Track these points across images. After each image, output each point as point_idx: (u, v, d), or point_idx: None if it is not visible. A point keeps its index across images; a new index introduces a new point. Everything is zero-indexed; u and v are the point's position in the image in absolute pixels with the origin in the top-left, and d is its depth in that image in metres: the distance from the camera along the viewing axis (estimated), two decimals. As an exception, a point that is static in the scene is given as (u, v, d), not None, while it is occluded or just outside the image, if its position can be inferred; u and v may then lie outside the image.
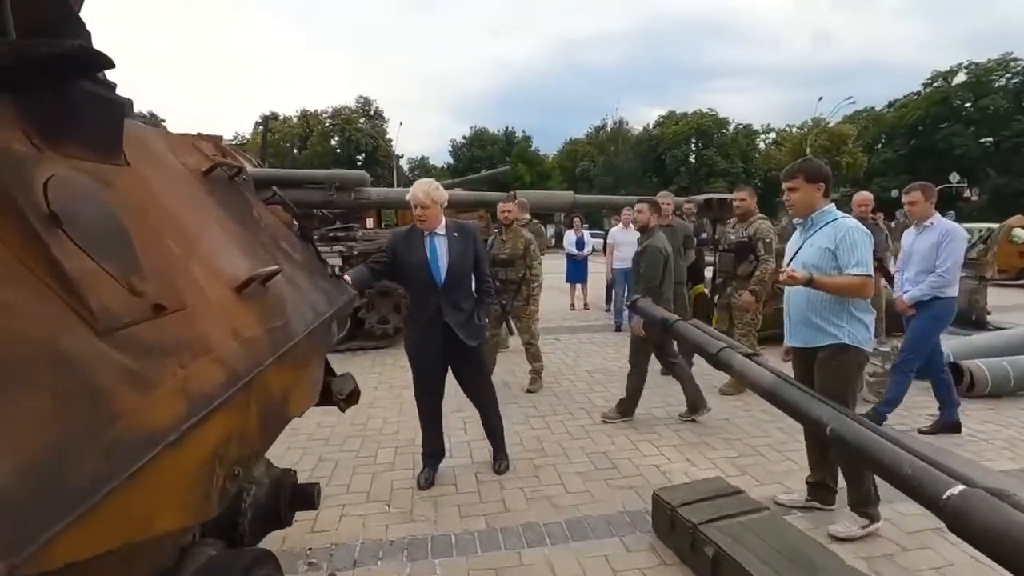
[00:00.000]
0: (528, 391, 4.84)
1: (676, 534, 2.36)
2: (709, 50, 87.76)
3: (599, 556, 2.42)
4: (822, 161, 2.85)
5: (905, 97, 40.14)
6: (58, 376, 0.71)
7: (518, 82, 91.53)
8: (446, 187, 3.20)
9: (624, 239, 7.41)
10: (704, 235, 6.03)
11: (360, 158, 39.64)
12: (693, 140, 41.95)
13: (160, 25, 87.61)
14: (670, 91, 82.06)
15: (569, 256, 9.59)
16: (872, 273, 2.57)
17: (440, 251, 2.99)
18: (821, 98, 42.46)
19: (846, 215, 2.69)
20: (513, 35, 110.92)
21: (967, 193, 30.44)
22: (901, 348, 3.85)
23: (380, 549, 2.54)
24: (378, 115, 43.78)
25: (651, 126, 44.17)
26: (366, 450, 3.65)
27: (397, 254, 3.00)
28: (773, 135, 44.89)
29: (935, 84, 38.37)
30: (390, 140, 42.37)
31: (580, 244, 9.43)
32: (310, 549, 2.53)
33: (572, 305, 9.53)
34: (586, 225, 10.22)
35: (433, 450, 3.25)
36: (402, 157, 44.18)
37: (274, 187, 2.35)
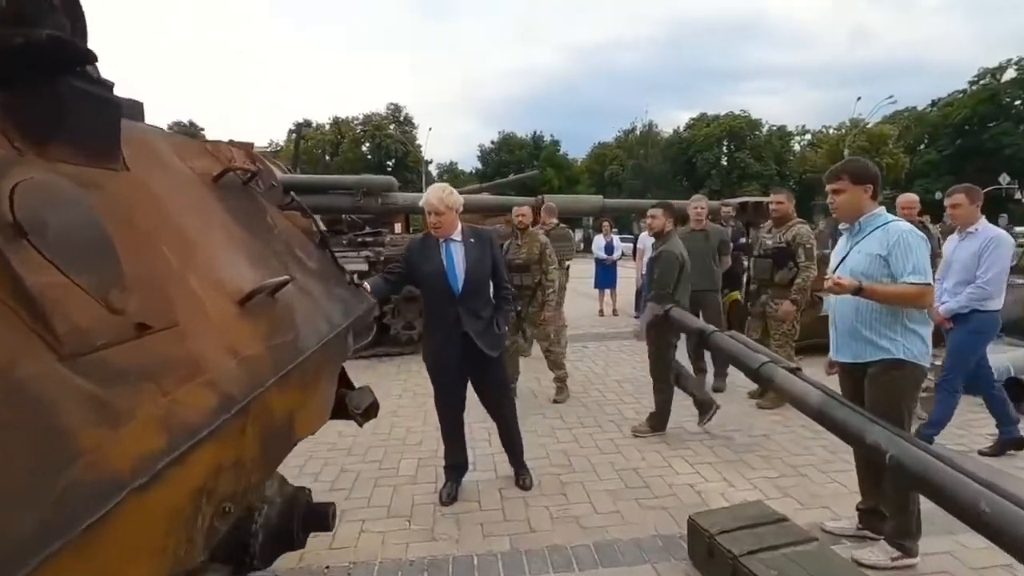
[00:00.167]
0: (555, 401, 4.69)
1: (715, 564, 2.18)
2: (740, 51, 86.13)
3: (630, 584, 2.26)
4: (869, 161, 2.65)
5: (950, 95, 38.59)
6: (5, 409, 0.61)
7: (546, 87, 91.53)
8: (473, 191, 3.12)
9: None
10: (744, 239, 5.79)
11: (390, 164, 40.11)
12: (725, 142, 41.16)
13: (201, 37, 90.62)
14: (700, 93, 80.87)
15: (598, 261, 9.40)
16: (931, 281, 2.36)
17: (457, 258, 2.88)
18: (860, 98, 41.21)
19: (899, 218, 2.48)
20: (541, 41, 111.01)
21: (1018, 195, 28.99)
22: (943, 365, 3.58)
23: (400, 569, 2.43)
24: (408, 121, 44.30)
25: (681, 129, 43.52)
26: (388, 461, 3.56)
27: (412, 263, 2.90)
28: (808, 136, 43.72)
29: (982, 81, 36.78)
30: (419, 146, 42.79)
31: (609, 249, 9.23)
32: (327, 567, 2.44)
33: (601, 311, 9.33)
34: (615, 229, 10.02)
35: (456, 463, 3.14)
36: (431, 162, 44.60)
37: (291, 192, 2.27)
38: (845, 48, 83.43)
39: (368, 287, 2.39)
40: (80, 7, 1.15)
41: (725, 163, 40.83)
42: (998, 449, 3.47)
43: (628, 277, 9.94)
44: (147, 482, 0.72)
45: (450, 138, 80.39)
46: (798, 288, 4.22)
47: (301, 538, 1.80)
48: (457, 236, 2.90)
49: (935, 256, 5.12)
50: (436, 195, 2.82)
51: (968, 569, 2.32)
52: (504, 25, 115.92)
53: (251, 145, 6.77)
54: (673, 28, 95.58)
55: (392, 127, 43.07)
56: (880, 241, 2.36)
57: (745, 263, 5.48)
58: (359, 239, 7.39)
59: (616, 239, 9.57)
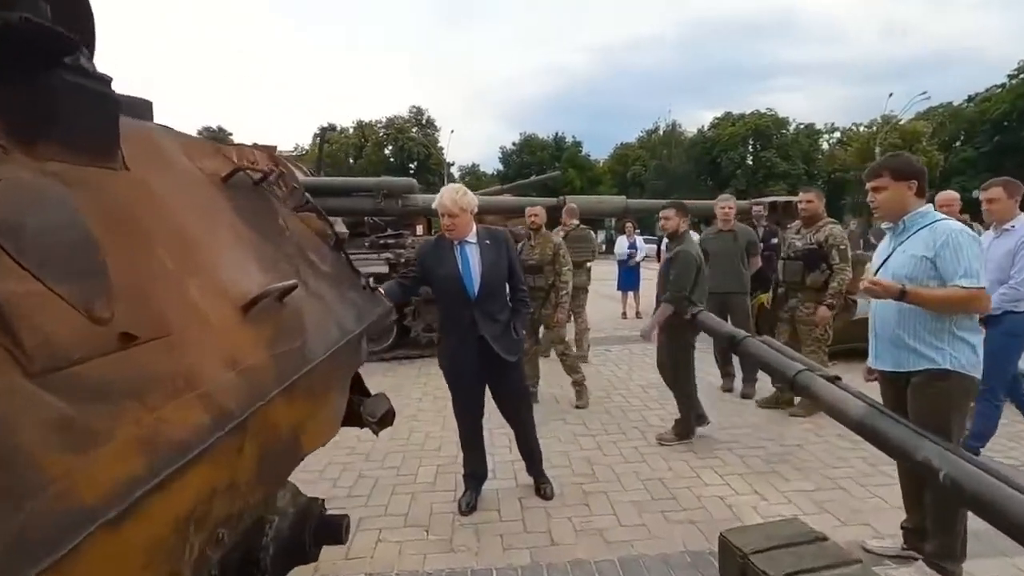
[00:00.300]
0: (576, 407, 4.58)
1: (748, 586, 2.05)
2: (766, 49, 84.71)
3: (657, 604, 2.15)
4: (913, 156, 2.49)
5: (987, 90, 37.21)
6: (-41, 436, 0.54)
7: (568, 88, 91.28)
8: (495, 193, 3.05)
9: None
10: (776, 240, 5.60)
11: (412, 166, 40.35)
12: (751, 141, 40.39)
13: (229, 45, 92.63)
14: (725, 92, 79.74)
15: (621, 262, 9.25)
16: (984, 284, 2.19)
17: (472, 261, 2.80)
18: (892, 94, 39.83)
19: (947, 217, 2.31)
20: (562, 42, 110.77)
21: (1061, 193, 27.77)
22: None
23: (416, 582, 2.36)
24: (430, 124, 44.50)
25: (705, 128, 42.86)
26: (407, 467, 3.50)
27: (426, 266, 2.83)
28: (837, 134, 42.62)
29: (1023, 75, 35.39)
30: (441, 148, 42.97)
31: (632, 250, 9.07)
32: (343, 579, 2.38)
33: (624, 314, 9.17)
34: (638, 231, 9.85)
35: (475, 471, 3.05)
36: (453, 165, 44.74)
37: (306, 194, 2.22)
38: (875, 43, 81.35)
39: (383, 292, 2.31)
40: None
41: (751, 162, 40.03)
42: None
43: (652, 279, 9.73)
44: (123, 512, 0.64)
45: (472, 140, 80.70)
46: (833, 292, 4.03)
47: (314, 552, 1.73)
48: (472, 238, 2.82)
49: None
50: (450, 197, 2.73)
51: (1027, 596, 2.15)
52: (526, 27, 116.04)
53: (274, 148, 6.80)
54: (696, 27, 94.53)
55: (415, 130, 43.32)
56: (926, 241, 2.20)
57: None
58: (380, 241, 7.39)
59: (639, 240, 9.41)
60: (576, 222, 6.37)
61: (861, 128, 39.73)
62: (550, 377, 5.15)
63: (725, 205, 4.97)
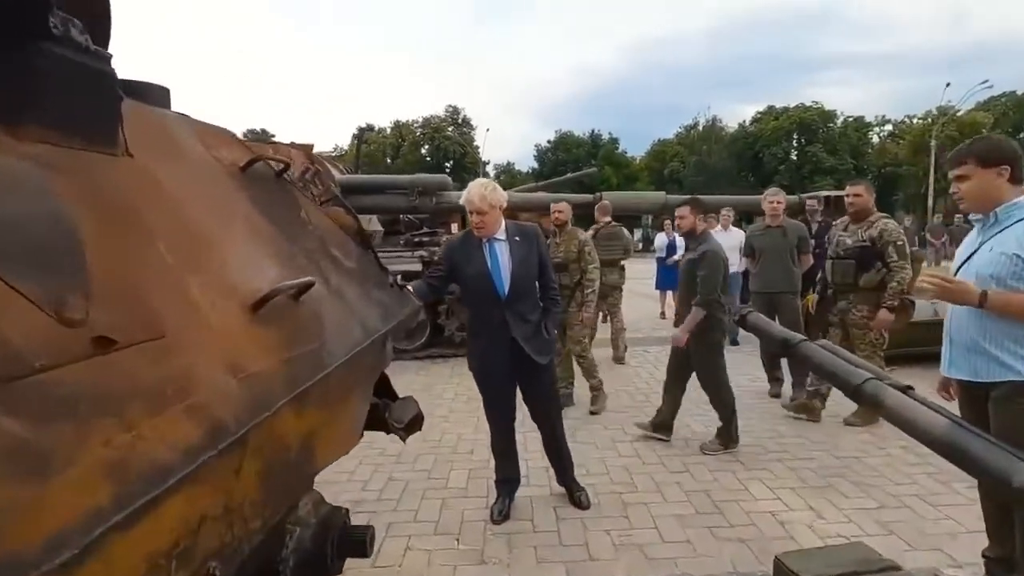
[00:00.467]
0: (591, 412, 4.38)
1: (808, 617, 1.85)
2: (811, 41, 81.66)
3: (705, 632, 1.97)
4: (1005, 138, 2.22)
5: (1056, 78, 34.87)
6: None
7: (603, 86, 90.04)
8: (529, 191, 2.94)
9: (723, 242, 6.67)
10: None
11: (448, 165, 40.59)
12: (795, 136, 39.00)
13: (272, 51, 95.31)
14: (768, 86, 77.09)
15: (659, 260, 8.96)
16: None
17: (502, 258, 2.67)
18: (949, 84, 37.65)
19: None
20: (598, 39, 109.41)
21: None
22: None
23: (446, 595, 2.24)
24: (466, 123, 44.71)
25: (747, 123, 41.63)
26: (438, 471, 3.40)
27: (454, 264, 2.71)
28: (889, 127, 40.73)
29: (1096, 61, 33.00)
30: (477, 147, 43.08)
31: (672, 248, 8.77)
32: (370, 588, 2.28)
33: (663, 313, 8.89)
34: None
35: (507, 478, 2.93)
36: (488, 163, 44.80)
37: (332, 187, 2.13)
38: (929, 32, 77.31)
39: (411, 290, 2.20)
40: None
41: (795, 157, 38.68)
42: None
43: (692, 278, 9.44)
44: (79, 553, 0.53)
45: (507, 139, 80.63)
46: (893, 292, 3.72)
47: (337, 564, 1.63)
48: (501, 234, 2.69)
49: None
50: (478, 193, 2.60)
51: None
52: (563, 24, 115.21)
53: (311, 146, 6.79)
54: (736, 19, 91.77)
55: (451, 129, 43.59)
56: (1020, 238, 1.94)
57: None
58: (415, 239, 7.36)
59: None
60: (608, 219, 6.18)
61: (915, 120, 37.87)
62: (583, 379, 4.97)
63: (773, 199, 4.70)
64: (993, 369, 2.01)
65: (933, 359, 5.09)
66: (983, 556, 2.18)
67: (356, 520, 2.76)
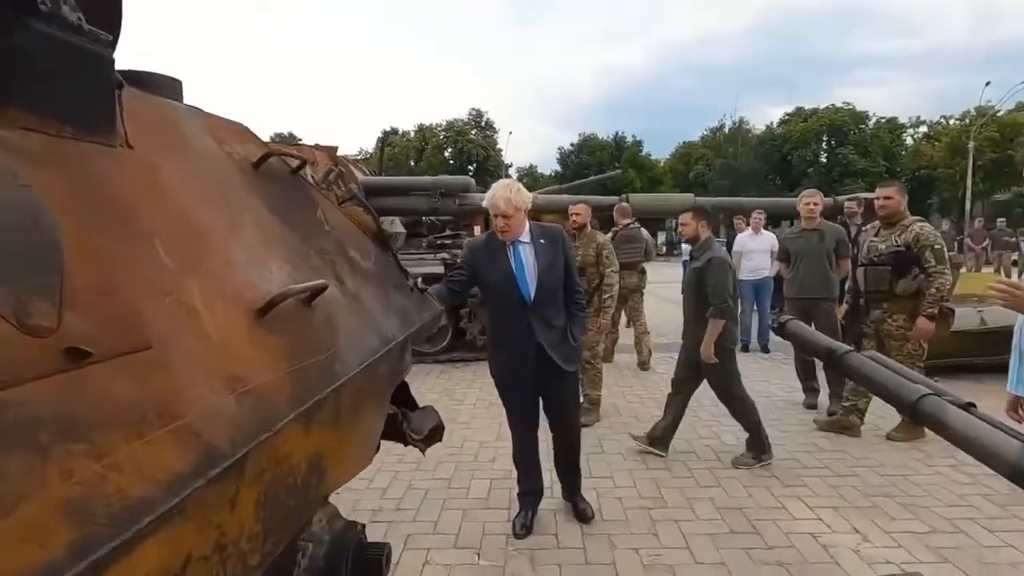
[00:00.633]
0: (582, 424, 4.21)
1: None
2: (841, 41, 79.63)
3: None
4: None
5: (1103, 76, 33.40)
6: None
7: (627, 88, 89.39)
8: (551, 193, 2.85)
9: (754, 246, 6.53)
10: None
11: (471, 168, 40.68)
12: (824, 138, 38.09)
13: (299, 55, 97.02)
14: (796, 88, 75.49)
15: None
16: None
17: (527, 262, 2.57)
18: (988, 83, 36.28)
19: None
20: (622, 41, 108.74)
21: None
22: None
23: (465, 615, 2.13)
24: (489, 126, 44.80)
25: (775, 125, 40.84)
26: (459, 480, 3.30)
27: (477, 268, 2.61)
28: (924, 128, 39.49)
29: None
30: (500, 150, 43.11)
31: (699, 252, 8.56)
32: (387, 605, 2.18)
33: (689, 319, 8.67)
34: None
35: (530, 490, 2.81)
36: (511, 166, 44.79)
37: (351, 186, 2.04)
38: (964, 30, 74.79)
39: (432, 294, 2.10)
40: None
41: (825, 160, 37.77)
42: None
43: (720, 282, 9.20)
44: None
45: (530, 141, 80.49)
46: (933, 299, 3.50)
47: (351, 584, 1.53)
48: (525, 237, 2.58)
49: None
50: (502, 195, 2.49)
51: None
52: (586, 26, 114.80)
53: (335, 148, 6.76)
54: (763, 19, 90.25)
55: (474, 132, 43.71)
56: None
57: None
58: (437, 241, 7.30)
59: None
60: (627, 221, 6.04)
61: (952, 121, 36.65)
62: (613, 387, 4.84)
63: (810, 201, 4.49)
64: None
65: (979, 371, 4.84)
66: (1055, 592, 1.99)
67: (374, 531, 2.69)
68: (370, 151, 40.64)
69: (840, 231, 4.63)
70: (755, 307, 6.67)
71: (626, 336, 6.40)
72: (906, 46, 74.84)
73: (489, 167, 41.29)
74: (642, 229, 6.24)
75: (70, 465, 0.53)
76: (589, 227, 4.54)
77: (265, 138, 1.67)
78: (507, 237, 2.55)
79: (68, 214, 0.71)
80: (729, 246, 8.51)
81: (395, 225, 7.11)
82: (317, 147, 6.63)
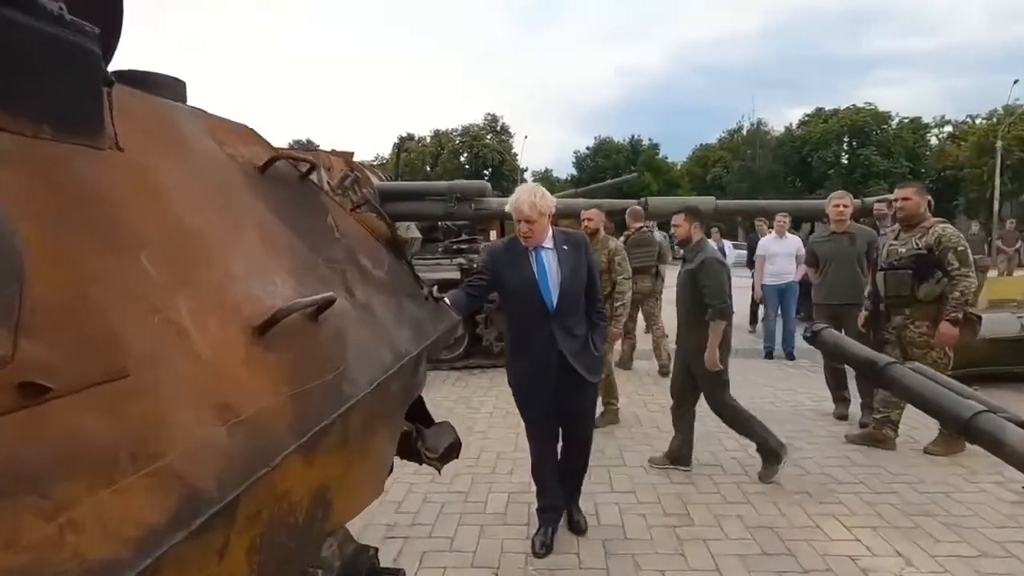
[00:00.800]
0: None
1: None
2: (862, 40, 78.34)
3: None
4: None
5: None
6: None
7: (643, 90, 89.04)
8: (567, 197, 2.78)
9: (778, 250, 6.35)
10: None
11: (487, 172, 40.73)
12: (845, 139, 37.42)
13: (317, 61, 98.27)
14: (815, 88, 74.53)
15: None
16: None
17: (550, 268, 2.48)
18: (1017, 81, 35.17)
19: None
20: (637, 43, 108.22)
21: None
22: None
23: (483, 640, 2.03)
24: (504, 130, 44.84)
25: (794, 126, 40.26)
26: (476, 493, 3.19)
27: (497, 273, 2.52)
28: (949, 128, 38.58)
29: None
30: (515, 154, 43.12)
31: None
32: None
33: (709, 324, 8.49)
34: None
35: (550, 506, 2.70)
36: (526, 170, 44.77)
37: (364, 192, 1.96)
38: (988, 27, 73.05)
39: (448, 302, 2.00)
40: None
41: (846, 161, 37.08)
42: None
43: (742, 287, 8.99)
44: None
45: (545, 145, 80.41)
46: (956, 303, 3.33)
47: (363, 614, 1.44)
48: (548, 243, 2.50)
49: None
50: (527, 200, 2.41)
51: None
52: (601, 29, 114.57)
53: (352, 153, 6.71)
54: (778, 19, 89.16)
55: (489, 137, 43.78)
56: None
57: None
58: (454, 246, 7.24)
59: (728, 245, 8.69)
60: (639, 225, 5.92)
61: (978, 120, 35.76)
62: (634, 395, 4.71)
63: (839, 203, 4.33)
64: None
65: (1018, 380, 4.62)
66: None
67: (388, 548, 2.60)
68: (387, 157, 40.90)
69: (871, 234, 4.46)
70: (779, 312, 6.48)
71: (644, 342, 6.26)
72: (924, 45, 73.48)
73: (505, 171, 41.31)
74: (656, 232, 6.12)
75: (16, 527, 0.44)
76: (602, 232, 4.43)
77: (284, 145, 1.60)
78: (530, 242, 2.47)
79: (36, 221, 0.63)
80: (751, 249, 8.34)
81: (411, 230, 7.06)
82: (333, 152, 6.61)
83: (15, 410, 0.49)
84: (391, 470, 1.41)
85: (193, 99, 1.33)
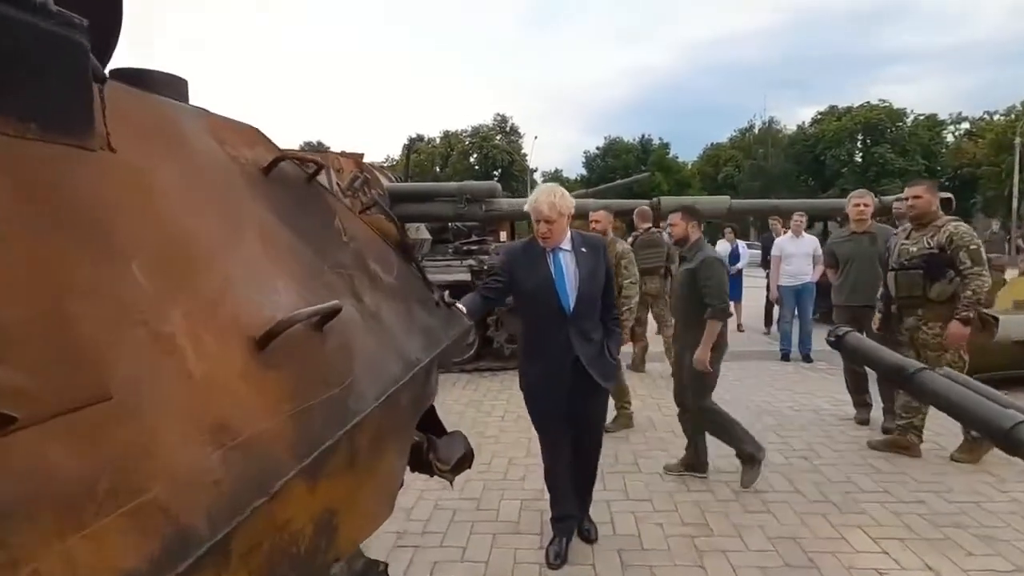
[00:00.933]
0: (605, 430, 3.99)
1: None
2: (875, 37, 77.36)
3: None
4: None
5: None
6: None
7: (653, 88, 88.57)
8: (577, 197, 2.75)
9: (795, 250, 6.22)
10: None
11: (496, 173, 40.72)
12: (859, 137, 36.95)
13: (327, 65, 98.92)
14: (828, 86, 73.70)
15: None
16: None
17: (568, 270, 2.41)
18: (1034, 77, 34.70)
19: None
20: (646, 42, 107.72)
21: None
22: None
23: (497, 657, 1.96)
24: (514, 131, 44.81)
25: (806, 124, 39.83)
26: (488, 500, 3.13)
27: (515, 275, 2.46)
28: (966, 125, 37.99)
29: None
30: (525, 155, 43.07)
31: (735, 257, 8.25)
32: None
33: (723, 326, 8.36)
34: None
35: (564, 515, 2.62)
36: (536, 171, 44.72)
37: (374, 193, 1.91)
38: (1008, 21, 71.79)
39: (463, 308, 1.94)
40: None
41: (860, 159, 36.61)
42: None
43: (756, 287, 8.87)
44: None
45: (555, 145, 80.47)
46: (968, 302, 3.22)
47: (372, 634, 1.38)
48: (566, 244, 2.43)
49: None
50: (546, 199, 2.35)
51: None
52: (610, 28, 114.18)
53: (361, 155, 6.66)
54: (793, 16, 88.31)
55: (499, 137, 43.77)
56: None
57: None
58: (464, 248, 7.18)
59: (742, 246, 8.56)
60: (647, 225, 5.83)
61: (996, 116, 35.17)
62: (647, 399, 4.62)
63: (860, 201, 4.21)
64: None
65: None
66: None
67: (399, 557, 2.54)
68: (396, 158, 41.04)
69: (890, 232, 4.33)
70: (795, 313, 6.35)
71: (656, 343, 6.16)
72: (938, 42, 72.42)
73: (514, 172, 41.28)
74: (665, 233, 6.03)
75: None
76: (610, 234, 4.36)
77: (295, 147, 1.55)
78: (548, 243, 2.40)
79: (12, 227, 0.57)
80: (766, 249, 8.20)
81: (421, 231, 7.02)
82: (343, 154, 6.59)
83: (-27, 445, 0.43)
84: (402, 484, 1.35)
85: (201, 101, 1.28)
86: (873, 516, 2.79)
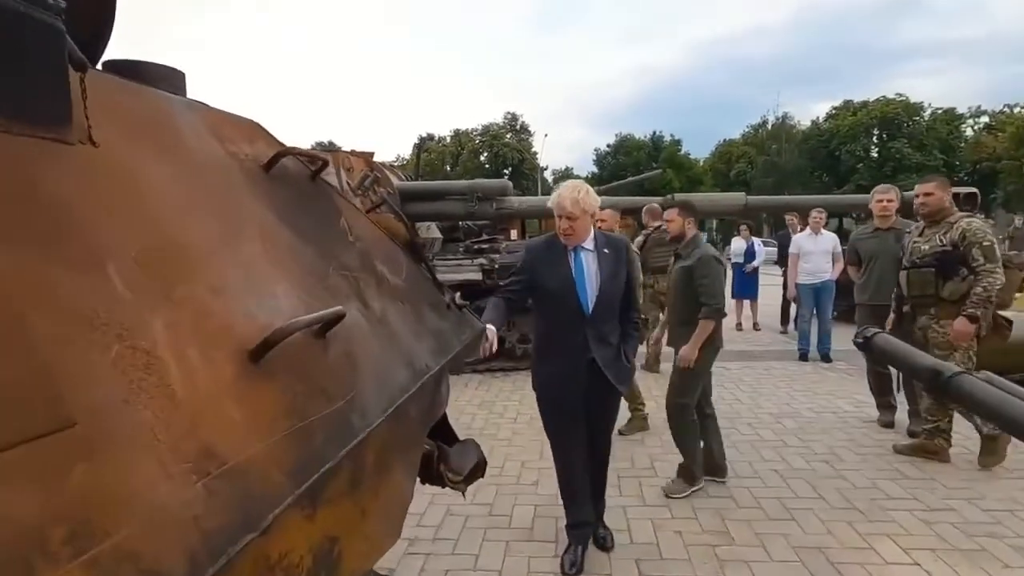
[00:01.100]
0: (620, 432, 3.87)
1: None
2: (891, 30, 76.11)
3: None
4: None
5: None
6: None
7: (665, 86, 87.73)
8: None
9: (813, 247, 6.06)
10: None
11: (507, 172, 40.63)
12: (875, 132, 36.35)
13: (338, 64, 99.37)
14: (843, 80, 72.54)
15: (736, 267, 8.29)
16: None
17: (589, 270, 2.34)
18: (1056, 69, 33.86)
19: None
20: (658, 38, 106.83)
21: None
22: None
23: (511, 672, 1.88)
24: (524, 129, 44.69)
25: (821, 119, 39.26)
26: (500, 505, 3.05)
27: (534, 270, 2.39)
28: (985, 119, 37.19)
29: None
30: (535, 153, 42.95)
31: (751, 254, 8.09)
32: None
33: (739, 325, 8.21)
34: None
35: (579, 522, 2.54)
36: (546, 169, 44.58)
37: (381, 192, 1.84)
38: (1015, 18, 70.23)
39: (489, 323, 1.87)
40: None
41: (876, 155, 36.02)
42: None
43: (772, 285, 8.70)
44: None
45: (565, 143, 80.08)
46: (979, 299, 3.09)
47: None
48: (589, 244, 2.35)
49: None
50: (569, 196, 2.27)
51: None
52: (621, 26, 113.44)
53: (372, 154, 6.59)
54: (805, 12, 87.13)
55: (509, 136, 43.67)
56: None
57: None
58: (475, 246, 7.11)
59: (758, 243, 8.39)
60: (657, 223, 5.71)
61: (1017, 110, 34.40)
62: (662, 399, 4.49)
63: (883, 197, 4.07)
64: None
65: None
66: None
67: (409, 565, 2.48)
68: (407, 157, 41.08)
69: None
70: (814, 313, 6.20)
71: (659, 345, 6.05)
72: (964, 33, 71.00)
73: (525, 170, 41.16)
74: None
75: None
76: (617, 232, 4.26)
77: (306, 147, 1.48)
78: (570, 241, 2.33)
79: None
80: (782, 246, 8.04)
81: (431, 230, 6.96)
82: (353, 153, 6.54)
83: None
84: (410, 499, 1.28)
85: (206, 101, 1.21)
86: (902, 524, 2.67)
